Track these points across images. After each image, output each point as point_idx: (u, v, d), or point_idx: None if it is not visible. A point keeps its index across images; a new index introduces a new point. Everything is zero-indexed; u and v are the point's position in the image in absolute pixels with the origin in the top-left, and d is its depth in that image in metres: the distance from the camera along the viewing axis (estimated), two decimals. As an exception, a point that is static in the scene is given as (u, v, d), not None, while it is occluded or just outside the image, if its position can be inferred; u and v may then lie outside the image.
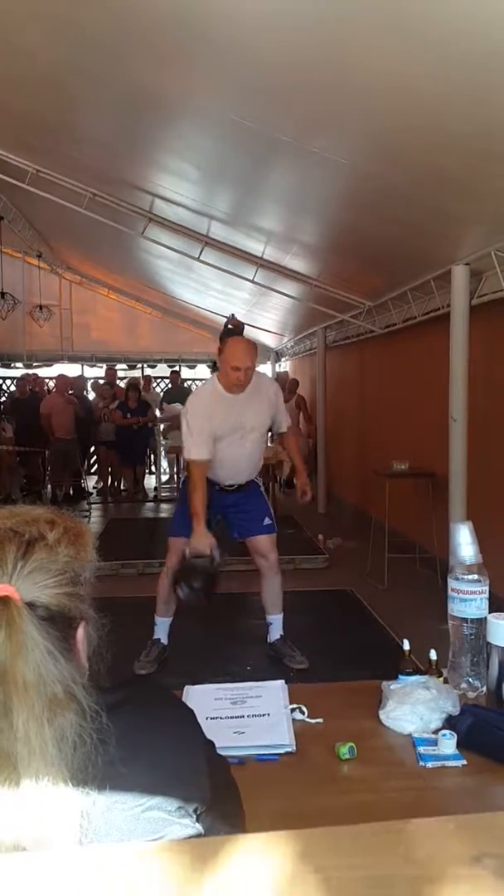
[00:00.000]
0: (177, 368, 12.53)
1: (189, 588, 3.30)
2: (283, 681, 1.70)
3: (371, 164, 3.63)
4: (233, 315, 7.06)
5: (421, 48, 2.39)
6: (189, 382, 13.01)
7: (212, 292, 9.11)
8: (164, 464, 10.78)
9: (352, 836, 0.74)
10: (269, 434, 4.06)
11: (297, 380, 10.42)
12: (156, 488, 10.26)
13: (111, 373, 11.54)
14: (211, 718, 1.54)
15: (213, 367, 7.55)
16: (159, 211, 6.08)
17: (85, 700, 0.76)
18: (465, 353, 4.49)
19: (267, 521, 3.73)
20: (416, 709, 1.48)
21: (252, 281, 6.85)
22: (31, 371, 11.84)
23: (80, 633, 0.84)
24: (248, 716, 1.56)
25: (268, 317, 9.62)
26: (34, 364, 12.57)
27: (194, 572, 3.31)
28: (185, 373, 13.36)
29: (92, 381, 12.05)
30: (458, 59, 2.38)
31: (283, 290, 7.14)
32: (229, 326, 6.77)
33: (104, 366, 12.86)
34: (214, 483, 3.61)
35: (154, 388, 12.10)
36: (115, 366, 12.45)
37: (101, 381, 11.27)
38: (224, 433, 3.48)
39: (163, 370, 13.27)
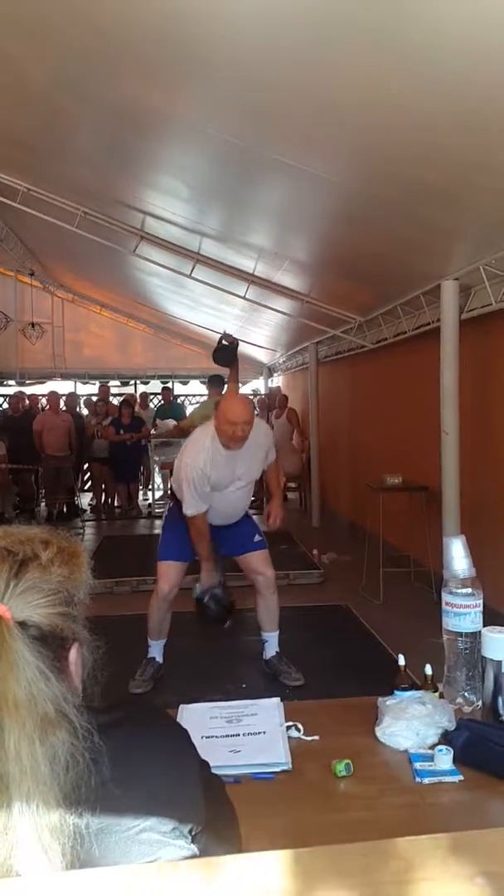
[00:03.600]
0: (169, 385, 12.54)
1: (214, 613, 3.58)
2: (278, 698, 1.70)
3: (360, 180, 3.66)
4: (225, 332, 7.08)
5: (408, 65, 2.42)
6: (182, 398, 13.02)
7: (204, 308, 9.15)
8: (158, 480, 10.75)
9: (348, 855, 0.73)
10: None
11: (287, 395, 10.47)
12: (149, 505, 10.24)
13: (104, 389, 11.54)
14: (206, 738, 1.53)
15: (209, 382, 7.58)
16: (150, 229, 6.11)
17: (77, 719, 0.75)
18: (455, 367, 4.52)
19: (257, 537, 3.71)
20: (411, 724, 1.48)
21: (244, 297, 6.88)
22: (24, 389, 11.83)
23: (73, 653, 0.84)
24: (243, 734, 1.55)
25: (260, 333, 9.66)
26: (27, 382, 12.57)
27: (215, 601, 3.56)
28: (178, 388, 13.39)
29: (85, 398, 12.06)
30: (446, 74, 2.42)
31: (274, 307, 7.18)
32: (224, 343, 6.78)
33: (97, 383, 12.87)
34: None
35: (149, 404, 12.11)
36: (107, 382, 12.46)
37: (94, 398, 11.28)
38: (219, 486, 3.45)
39: (155, 386, 13.28)
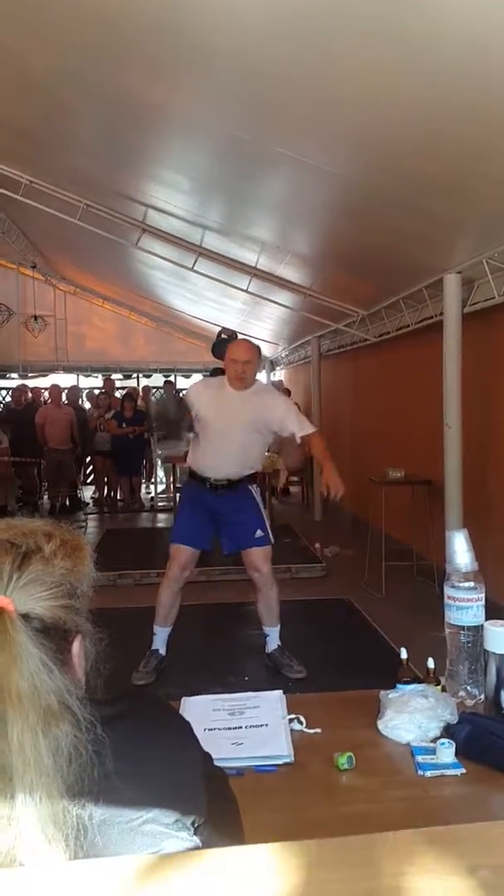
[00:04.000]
0: (171, 378, 12.53)
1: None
2: (280, 691, 1.70)
3: (362, 172, 3.65)
4: (224, 327, 7.07)
5: (411, 56, 2.41)
6: (185, 392, 13.01)
7: (206, 302, 9.13)
8: (161, 473, 10.76)
9: (350, 847, 0.74)
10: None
11: (289, 389, 10.46)
12: (152, 498, 10.25)
13: (109, 383, 11.54)
14: (209, 730, 1.54)
15: (210, 375, 7.58)
16: (153, 221, 6.09)
17: (80, 712, 0.75)
18: (458, 360, 4.51)
19: (259, 532, 3.69)
20: (414, 717, 1.48)
21: (246, 291, 6.87)
22: (27, 382, 11.83)
23: (76, 645, 0.84)
24: (245, 727, 1.55)
25: (262, 326, 9.64)
26: (29, 374, 12.57)
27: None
28: (181, 382, 13.37)
29: (87, 391, 12.05)
30: (447, 66, 2.40)
31: (276, 300, 7.16)
32: (223, 336, 6.78)
33: (99, 376, 12.86)
34: (204, 479, 3.65)
35: (152, 398, 12.11)
36: (111, 375, 12.45)
37: (97, 391, 11.27)
38: (213, 419, 3.62)
39: (158, 380, 13.29)
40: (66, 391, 10.64)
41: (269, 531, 3.77)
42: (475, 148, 2.96)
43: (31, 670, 0.73)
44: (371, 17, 2.22)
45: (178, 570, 3.64)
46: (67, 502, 9.75)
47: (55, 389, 9.92)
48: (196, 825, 0.83)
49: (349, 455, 8.49)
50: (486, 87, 2.48)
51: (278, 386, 10.95)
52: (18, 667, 0.73)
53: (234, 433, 3.60)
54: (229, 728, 1.55)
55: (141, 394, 11.50)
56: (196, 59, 2.95)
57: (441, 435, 4.61)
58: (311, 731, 1.53)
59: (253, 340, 3.91)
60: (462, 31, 2.19)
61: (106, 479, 10.28)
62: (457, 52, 2.32)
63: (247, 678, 3.72)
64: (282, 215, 5.26)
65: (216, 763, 0.96)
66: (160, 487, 10.53)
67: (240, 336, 6.33)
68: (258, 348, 3.83)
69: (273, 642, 3.80)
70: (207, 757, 0.92)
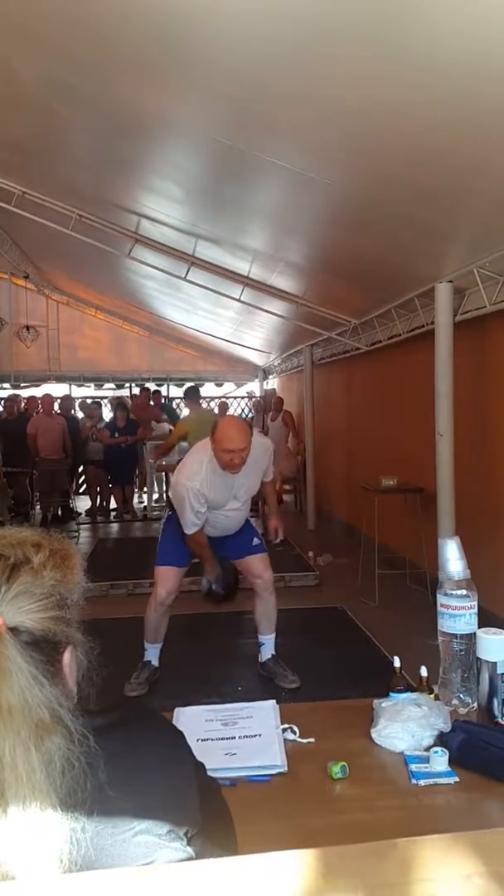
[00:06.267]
0: (158, 389, 12.54)
1: (222, 597, 3.69)
2: (274, 701, 1.69)
3: (354, 183, 3.67)
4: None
5: (404, 67, 2.43)
6: (178, 401, 13.02)
7: (199, 311, 9.15)
8: (153, 482, 10.74)
9: (344, 857, 0.74)
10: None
11: (282, 398, 10.48)
12: (145, 507, 10.22)
13: (145, 392, 11.37)
14: (202, 740, 1.53)
15: (186, 395, 7.70)
16: (145, 231, 6.11)
17: (72, 724, 0.75)
18: (450, 369, 4.53)
19: (256, 540, 3.71)
20: (407, 726, 1.48)
21: (238, 300, 6.88)
22: (20, 392, 11.80)
23: (67, 656, 0.83)
24: (239, 737, 1.55)
25: (255, 335, 9.66)
26: (21, 384, 12.54)
27: (222, 583, 3.65)
28: (174, 391, 13.40)
29: (80, 400, 12.04)
30: (441, 78, 2.42)
31: (269, 309, 7.18)
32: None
33: (92, 385, 12.83)
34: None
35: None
36: (102, 385, 12.44)
37: (89, 401, 11.24)
38: (217, 505, 3.42)
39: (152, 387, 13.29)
40: (58, 401, 10.61)
41: (263, 540, 3.81)
42: (467, 160, 2.99)
43: (21, 685, 0.73)
44: (367, 31, 2.24)
45: (164, 594, 3.61)
46: (60, 512, 9.72)
47: (47, 399, 9.90)
48: (189, 835, 0.83)
49: (342, 463, 8.51)
50: (479, 102, 2.50)
51: (272, 396, 10.96)
52: (8, 682, 0.73)
53: (233, 508, 3.51)
54: (222, 738, 1.55)
55: (152, 400, 11.33)
56: (188, 68, 2.97)
57: (433, 443, 4.63)
58: (305, 740, 1.53)
59: (243, 426, 3.34)
60: (457, 46, 2.21)
61: (98, 488, 10.26)
62: (451, 68, 2.34)
63: (240, 688, 3.71)
64: (274, 225, 5.29)
65: (209, 773, 0.96)
66: (154, 496, 10.51)
67: (230, 347, 6.35)
68: (250, 426, 3.40)
69: (268, 651, 3.79)
70: (200, 767, 0.92)
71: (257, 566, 3.67)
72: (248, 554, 3.67)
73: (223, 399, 13.51)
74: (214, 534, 3.57)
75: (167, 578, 3.63)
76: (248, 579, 3.75)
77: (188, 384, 7.71)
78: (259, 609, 3.75)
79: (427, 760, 1.41)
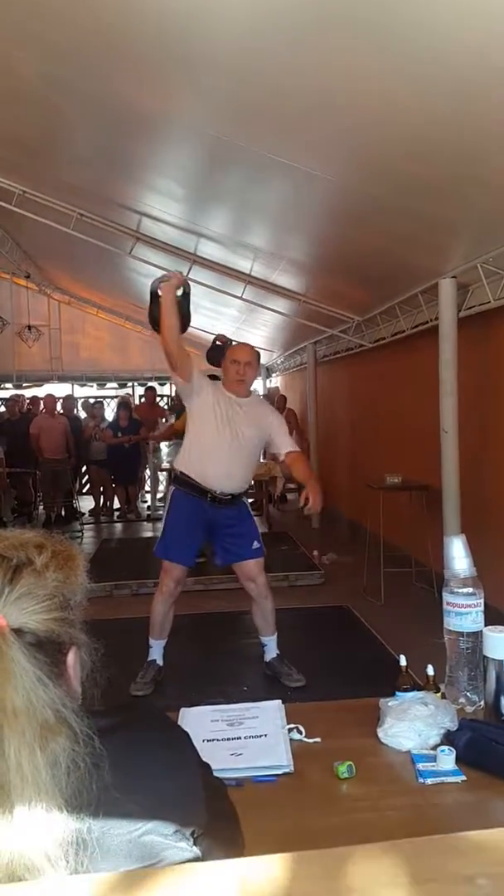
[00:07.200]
0: (153, 385, 12.54)
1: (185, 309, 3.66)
2: (279, 700, 1.69)
3: (356, 178, 3.66)
4: (220, 335, 7.09)
5: (404, 62, 2.42)
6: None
7: (201, 310, 9.12)
8: (158, 479, 10.73)
9: (351, 857, 0.73)
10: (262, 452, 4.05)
11: (285, 396, 10.47)
12: (149, 507, 10.22)
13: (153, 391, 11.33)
14: (207, 741, 1.53)
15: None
16: (147, 230, 6.11)
17: (77, 724, 0.75)
18: (454, 365, 4.52)
19: (256, 544, 3.69)
20: (414, 725, 1.47)
21: (241, 298, 6.88)
22: (22, 392, 11.81)
23: (71, 657, 0.83)
24: (245, 737, 1.54)
25: (257, 333, 9.65)
26: (24, 384, 12.56)
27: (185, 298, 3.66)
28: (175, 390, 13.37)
29: (82, 400, 12.05)
30: (440, 70, 2.41)
31: (271, 307, 7.17)
32: (218, 343, 6.79)
33: (94, 385, 12.83)
34: (206, 491, 3.57)
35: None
36: (105, 384, 12.45)
37: (91, 401, 11.24)
38: (214, 423, 3.51)
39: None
40: (60, 400, 10.62)
41: (262, 542, 3.79)
42: (469, 153, 2.98)
43: (25, 686, 0.73)
44: (364, 24, 2.23)
45: (173, 586, 3.62)
46: (63, 512, 9.72)
47: (49, 399, 9.90)
48: (196, 836, 0.82)
49: (346, 461, 8.50)
50: (480, 93, 2.49)
51: (275, 394, 10.95)
52: (13, 683, 0.72)
53: (234, 441, 3.53)
54: (228, 739, 1.54)
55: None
56: (188, 65, 2.96)
57: (438, 440, 4.62)
58: (311, 740, 1.52)
59: (252, 347, 3.83)
60: (455, 37, 2.21)
61: (102, 488, 10.26)
62: (450, 58, 2.33)
63: (245, 688, 3.71)
64: (276, 222, 5.28)
65: (215, 774, 0.96)
66: (158, 495, 10.50)
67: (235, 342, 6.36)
68: (258, 353, 3.80)
69: (271, 651, 3.79)
70: (206, 767, 0.92)
71: (252, 570, 3.66)
72: (245, 558, 3.67)
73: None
74: (212, 473, 3.53)
75: (174, 570, 3.64)
76: (242, 584, 3.75)
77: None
78: (256, 613, 3.75)
79: (434, 759, 1.40)
